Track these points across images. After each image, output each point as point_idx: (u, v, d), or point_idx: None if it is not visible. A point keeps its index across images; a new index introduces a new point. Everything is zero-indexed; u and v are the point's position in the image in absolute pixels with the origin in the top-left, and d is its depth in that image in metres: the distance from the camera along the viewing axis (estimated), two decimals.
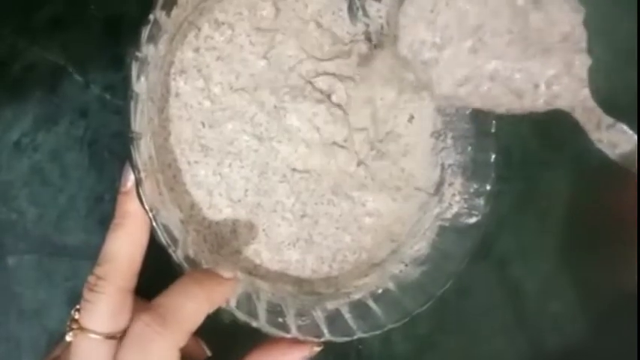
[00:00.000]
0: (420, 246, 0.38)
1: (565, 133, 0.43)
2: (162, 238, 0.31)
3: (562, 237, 0.43)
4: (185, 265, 0.31)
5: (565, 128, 0.43)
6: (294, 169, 0.38)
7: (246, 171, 0.37)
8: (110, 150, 0.39)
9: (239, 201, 0.37)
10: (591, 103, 0.29)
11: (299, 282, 0.37)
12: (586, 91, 0.29)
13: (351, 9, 0.40)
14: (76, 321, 0.30)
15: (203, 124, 0.37)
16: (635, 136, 0.28)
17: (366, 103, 0.39)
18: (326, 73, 0.39)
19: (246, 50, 0.38)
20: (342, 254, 0.39)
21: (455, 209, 0.38)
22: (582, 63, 0.29)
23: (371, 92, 0.39)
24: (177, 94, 0.36)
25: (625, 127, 0.28)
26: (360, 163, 0.39)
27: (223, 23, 0.37)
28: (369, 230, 0.39)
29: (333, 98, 0.39)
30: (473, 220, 0.37)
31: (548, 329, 0.43)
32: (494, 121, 0.38)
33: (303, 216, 0.38)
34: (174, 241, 0.32)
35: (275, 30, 0.38)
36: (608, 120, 0.28)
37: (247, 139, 0.37)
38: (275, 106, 0.38)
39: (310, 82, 0.39)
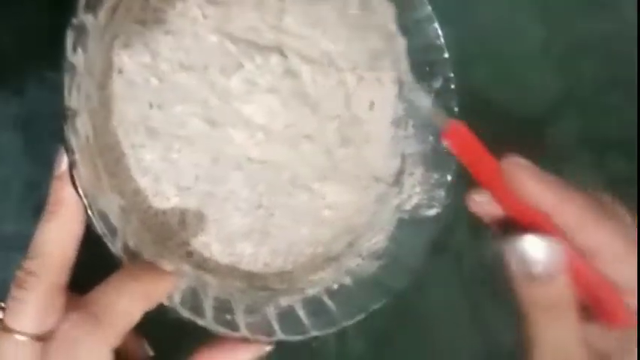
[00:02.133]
0: (377, 239, 0.35)
1: (525, 118, 0.41)
2: (98, 226, 0.27)
3: None
4: (123, 256, 0.28)
5: (524, 115, 0.41)
6: (249, 159, 0.35)
7: (196, 156, 0.33)
8: (49, 131, 0.35)
9: (188, 189, 0.33)
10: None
11: (250, 276, 0.34)
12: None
13: None
14: (1, 321, 0.26)
15: (150, 105, 0.33)
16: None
17: (339, 86, 0.36)
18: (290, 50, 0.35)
19: (198, 24, 0.34)
20: (297, 247, 0.35)
21: (414, 200, 0.35)
22: None
23: (341, 75, 0.36)
24: (120, 71, 0.32)
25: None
26: (326, 152, 0.36)
27: None
28: (327, 223, 0.36)
29: (299, 83, 0.35)
30: (433, 212, 0.35)
31: (505, 323, 0.41)
32: (456, 108, 0.35)
33: (258, 207, 0.35)
34: (112, 230, 0.28)
35: (231, 3, 0.34)
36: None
37: (198, 122, 0.33)
38: (224, 88, 0.34)
39: (269, 58, 0.35)
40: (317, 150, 0.36)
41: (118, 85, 0.32)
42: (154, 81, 0.33)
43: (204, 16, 0.34)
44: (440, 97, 0.35)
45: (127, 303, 0.26)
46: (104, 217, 0.28)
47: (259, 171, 0.35)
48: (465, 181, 0.39)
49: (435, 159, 0.35)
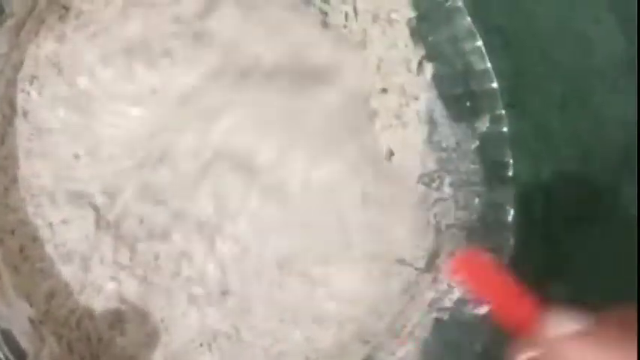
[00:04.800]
0: (405, 351, 0.35)
1: (603, 178, 0.42)
2: (1, 352, 0.27)
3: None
4: None
5: (604, 171, 0.41)
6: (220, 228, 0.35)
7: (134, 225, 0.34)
8: None
9: (130, 260, 0.33)
10: None
11: None
12: None
13: None
14: None
15: (76, 156, 0.33)
16: None
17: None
18: None
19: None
20: None
21: (457, 293, 0.35)
22: None
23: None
24: (25, 113, 0.33)
25: None
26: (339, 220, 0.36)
27: None
28: (332, 323, 0.36)
29: None
30: (484, 309, 0.34)
31: None
32: (511, 161, 0.36)
33: (224, 293, 0.35)
34: (21, 356, 0.28)
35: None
36: None
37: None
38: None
39: None
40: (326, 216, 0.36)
41: (22, 134, 0.32)
42: (74, 117, 0.33)
43: None
44: (487, 144, 0.36)
45: None
46: (8, 338, 0.27)
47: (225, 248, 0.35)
48: (524, 256, 0.39)
49: (485, 232, 0.36)
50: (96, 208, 0.33)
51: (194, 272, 0.34)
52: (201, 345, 0.34)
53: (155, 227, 0.34)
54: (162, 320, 0.34)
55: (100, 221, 0.33)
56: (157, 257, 0.34)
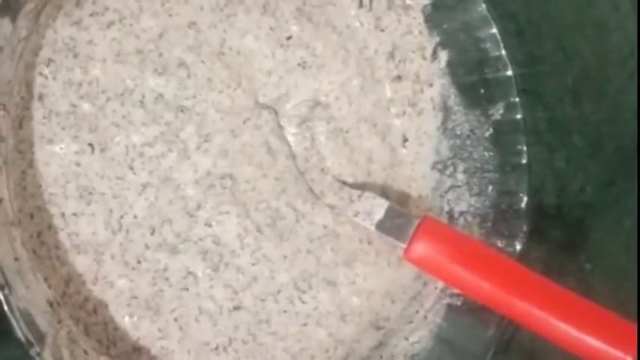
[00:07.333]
0: (418, 336, 0.35)
1: (617, 166, 0.42)
2: (20, 331, 0.28)
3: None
4: None
5: (618, 158, 0.41)
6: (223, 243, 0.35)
7: (148, 226, 0.34)
8: None
9: (138, 263, 0.33)
10: (336, 184, 0.37)
11: None
12: (329, 178, 0.37)
13: None
14: None
15: (92, 147, 0.33)
16: (386, 202, 0.35)
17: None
18: None
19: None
20: (307, 355, 0.35)
21: None
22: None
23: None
24: (41, 97, 0.33)
25: (373, 194, 0.36)
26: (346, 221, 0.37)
27: None
28: (354, 316, 0.36)
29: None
30: None
31: None
32: (525, 149, 0.36)
33: (237, 308, 0.35)
34: (39, 337, 0.28)
35: None
36: (356, 192, 0.36)
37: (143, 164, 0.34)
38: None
39: None
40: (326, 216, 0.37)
41: (37, 119, 0.32)
42: (87, 106, 0.33)
43: None
44: (501, 131, 0.36)
45: None
46: (27, 318, 0.28)
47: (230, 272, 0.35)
48: (537, 248, 0.39)
49: (498, 220, 0.36)
50: (106, 208, 0.33)
51: (202, 290, 0.34)
52: (216, 347, 0.35)
53: (164, 241, 0.34)
54: (175, 319, 0.34)
55: (110, 222, 0.33)
56: (165, 269, 0.34)
